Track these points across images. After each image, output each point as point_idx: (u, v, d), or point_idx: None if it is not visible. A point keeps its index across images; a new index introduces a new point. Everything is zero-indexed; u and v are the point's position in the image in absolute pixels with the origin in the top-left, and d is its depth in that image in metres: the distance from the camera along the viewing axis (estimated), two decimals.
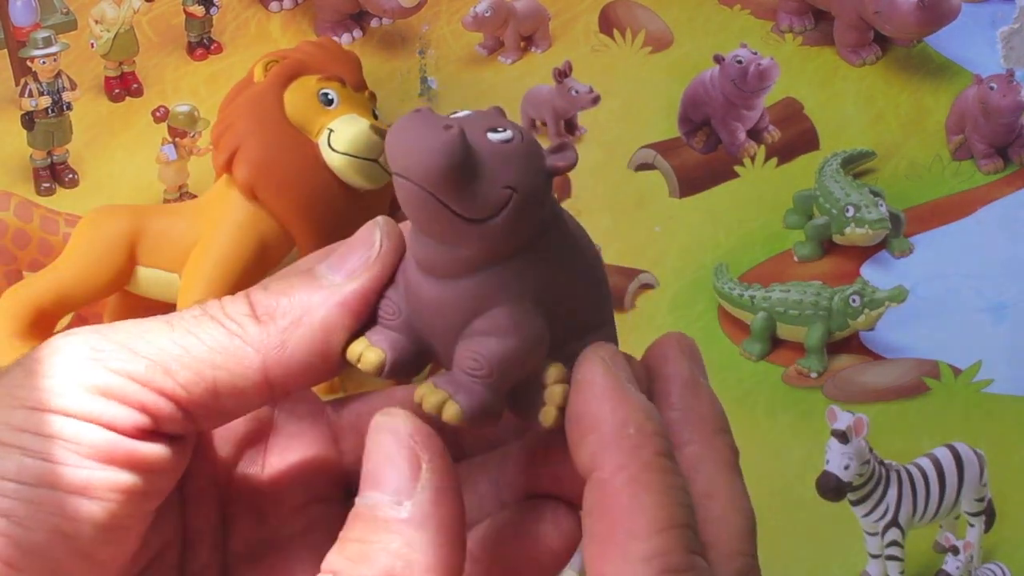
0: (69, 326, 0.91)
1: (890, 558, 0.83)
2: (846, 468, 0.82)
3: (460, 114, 0.31)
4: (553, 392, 0.31)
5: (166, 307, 0.87)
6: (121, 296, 0.88)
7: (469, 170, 0.29)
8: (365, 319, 0.32)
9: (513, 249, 0.31)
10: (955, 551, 0.82)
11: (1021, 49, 1.10)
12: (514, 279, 0.31)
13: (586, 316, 0.32)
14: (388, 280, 0.32)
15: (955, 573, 0.82)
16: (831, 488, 0.82)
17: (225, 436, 0.35)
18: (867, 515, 0.83)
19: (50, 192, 0.99)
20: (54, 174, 0.99)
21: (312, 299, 0.31)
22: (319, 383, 0.33)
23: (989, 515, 0.85)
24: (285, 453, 0.35)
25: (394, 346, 0.32)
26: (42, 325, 0.84)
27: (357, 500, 0.29)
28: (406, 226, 0.32)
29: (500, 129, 0.30)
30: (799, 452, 0.88)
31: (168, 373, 0.30)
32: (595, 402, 0.30)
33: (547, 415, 0.31)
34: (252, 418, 0.35)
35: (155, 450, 0.30)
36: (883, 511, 0.83)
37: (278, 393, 0.32)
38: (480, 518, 0.34)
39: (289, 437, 0.35)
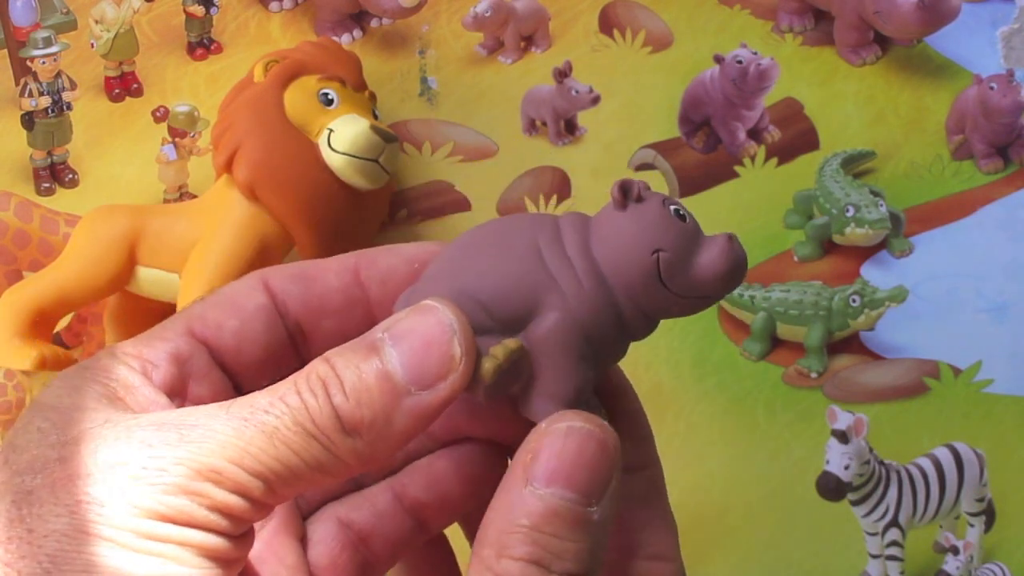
0: (69, 326, 0.91)
1: (890, 558, 0.83)
2: (846, 468, 0.82)
3: (663, 199, 0.35)
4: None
5: (166, 307, 0.87)
6: (121, 296, 0.88)
7: None
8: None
9: None
10: (955, 551, 0.82)
11: (1021, 49, 1.10)
12: None
13: None
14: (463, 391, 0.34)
15: (955, 573, 0.82)
16: (831, 488, 0.82)
17: None
18: (867, 515, 0.83)
19: (50, 192, 0.99)
20: (54, 174, 0.99)
21: (396, 417, 0.33)
22: None
23: (989, 515, 0.85)
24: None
25: None
26: (42, 325, 0.84)
27: (545, 492, 0.32)
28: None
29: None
30: (799, 452, 0.88)
31: (273, 492, 0.33)
32: None
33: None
34: None
35: (249, 542, 0.34)
36: (883, 511, 0.83)
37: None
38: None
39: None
